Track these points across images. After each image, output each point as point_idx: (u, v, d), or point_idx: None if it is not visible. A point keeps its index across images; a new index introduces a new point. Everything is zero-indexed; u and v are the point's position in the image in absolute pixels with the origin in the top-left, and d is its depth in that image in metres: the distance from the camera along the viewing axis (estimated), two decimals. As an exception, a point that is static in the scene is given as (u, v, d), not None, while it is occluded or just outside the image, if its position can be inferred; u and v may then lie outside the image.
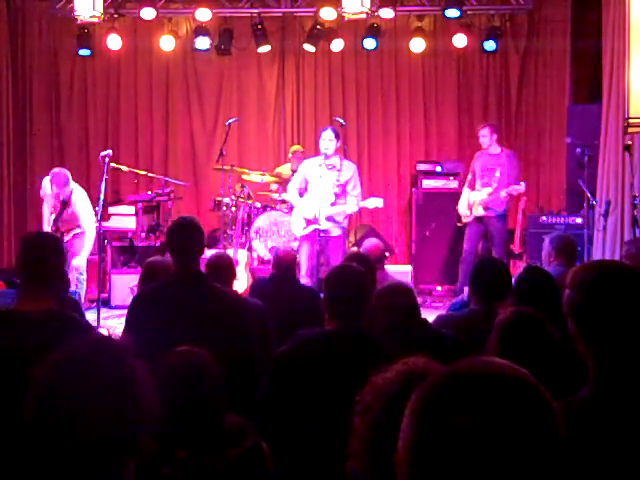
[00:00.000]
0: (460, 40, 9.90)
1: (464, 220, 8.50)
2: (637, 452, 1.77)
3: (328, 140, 7.23)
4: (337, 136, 7.31)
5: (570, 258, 5.06)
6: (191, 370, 2.47)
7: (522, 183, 8.09)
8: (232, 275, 4.63)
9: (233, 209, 9.07)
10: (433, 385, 1.08)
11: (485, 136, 8.33)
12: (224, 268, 4.52)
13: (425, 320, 3.70)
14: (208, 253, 4.95)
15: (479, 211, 8.25)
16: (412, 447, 1.06)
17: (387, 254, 7.16)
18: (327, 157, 7.24)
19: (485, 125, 8.58)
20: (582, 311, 1.94)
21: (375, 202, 7.39)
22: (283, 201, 9.06)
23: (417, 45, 10.05)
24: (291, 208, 8.00)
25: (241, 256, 8.51)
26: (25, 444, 1.53)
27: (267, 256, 8.93)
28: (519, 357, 1.75)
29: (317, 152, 7.61)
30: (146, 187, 9.74)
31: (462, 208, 8.44)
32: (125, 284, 8.41)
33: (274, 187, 9.63)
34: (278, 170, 9.78)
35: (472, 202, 8.33)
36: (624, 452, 1.77)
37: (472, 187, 8.42)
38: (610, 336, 1.89)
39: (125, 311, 3.75)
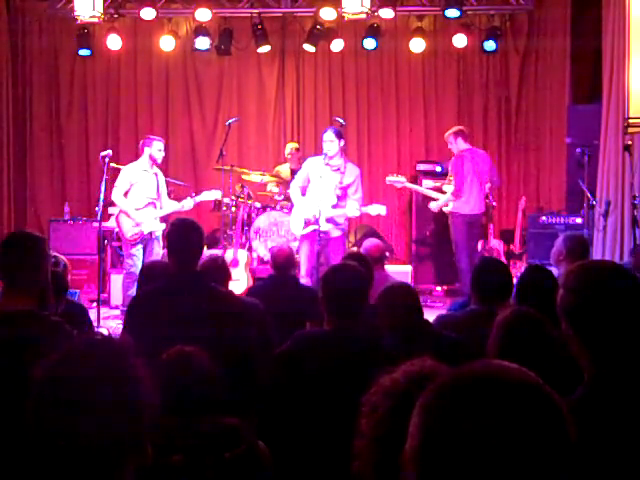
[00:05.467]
0: (460, 40, 9.90)
1: None
2: (634, 451, 1.77)
3: (329, 141, 7.22)
4: (339, 136, 7.27)
5: (580, 260, 5.01)
6: (183, 371, 2.44)
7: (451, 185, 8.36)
8: (227, 277, 4.61)
9: (233, 209, 9.07)
10: (442, 387, 1.08)
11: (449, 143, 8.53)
12: (219, 270, 4.50)
13: (427, 321, 3.69)
14: (206, 253, 4.93)
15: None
16: (420, 448, 1.05)
17: (387, 254, 7.15)
18: (330, 158, 7.22)
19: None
20: (576, 311, 1.94)
21: (378, 209, 7.38)
22: (283, 201, 9.05)
23: (417, 45, 10.04)
24: (291, 208, 7.99)
25: (241, 256, 8.51)
26: (26, 443, 1.53)
27: (267, 256, 8.91)
28: (519, 357, 1.75)
29: (316, 152, 7.61)
30: (146, 187, 9.73)
31: None
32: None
33: (274, 189, 9.57)
34: (277, 169, 9.75)
35: None
36: (620, 451, 1.77)
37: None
38: (604, 336, 1.89)
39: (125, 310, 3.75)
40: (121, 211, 7.61)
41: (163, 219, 7.89)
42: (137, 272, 7.65)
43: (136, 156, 10.54)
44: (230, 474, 2.31)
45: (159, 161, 7.77)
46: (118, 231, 7.61)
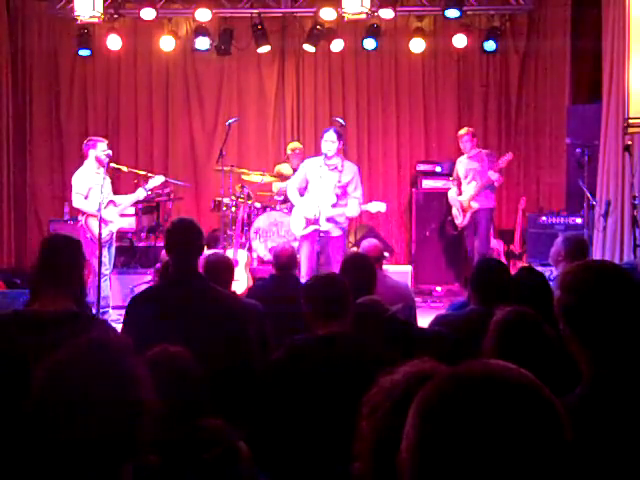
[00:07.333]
0: (460, 40, 9.90)
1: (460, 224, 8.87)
2: (633, 450, 1.77)
3: (330, 141, 7.22)
4: (339, 137, 7.29)
5: (579, 260, 5.01)
6: (165, 371, 2.42)
7: (496, 174, 8.63)
8: (231, 277, 4.61)
9: (233, 209, 9.07)
10: (437, 386, 1.08)
11: (467, 141, 8.73)
12: (223, 270, 4.49)
13: (409, 323, 3.69)
14: (207, 253, 4.92)
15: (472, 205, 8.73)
16: (415, 448, 1.05)
17: (386, 254, 7.16)
18: (328, 158, 7.23)
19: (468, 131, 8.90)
20: (574, 312, 1.94)
21: (377, 206, 7.38)
22: (283, 201, 9.06)
23: (417, 45, 10.05)
24: (291, 208, 7.99)
25: (241, 256, 8.51)
26: (26, 443, 1.54)
27: (267, 256, 8.92)
28: (516, 356, 1.75)
29: (317, 152, 7.60)
30: (146, 187, 9.74)
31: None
32: (125, 284, 8.40)
33: (276, 188, 9.58)
34: (278, 169, 9.75)
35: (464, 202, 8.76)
36: (620, 450, 1.77)
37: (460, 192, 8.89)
38: (603, 336, 1.89)
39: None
40: (88, 215, 7.59)
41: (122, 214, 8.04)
42: (109, 273, 7.71)
43: (135, 156, 10.64)
44: (208, 475, 2.29)
45: (105, 162, 7.68)
46: (90, 236, 7.56)
